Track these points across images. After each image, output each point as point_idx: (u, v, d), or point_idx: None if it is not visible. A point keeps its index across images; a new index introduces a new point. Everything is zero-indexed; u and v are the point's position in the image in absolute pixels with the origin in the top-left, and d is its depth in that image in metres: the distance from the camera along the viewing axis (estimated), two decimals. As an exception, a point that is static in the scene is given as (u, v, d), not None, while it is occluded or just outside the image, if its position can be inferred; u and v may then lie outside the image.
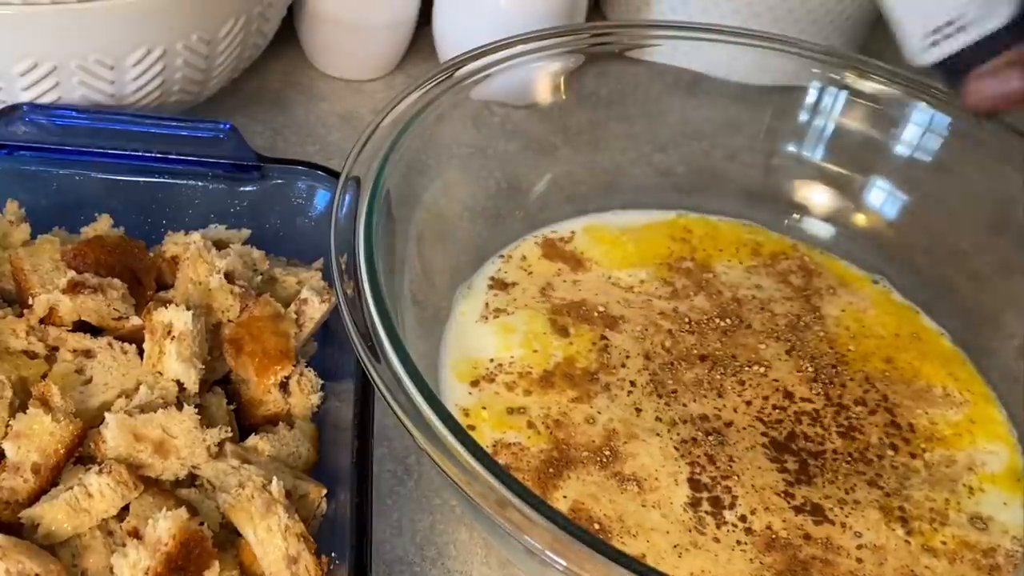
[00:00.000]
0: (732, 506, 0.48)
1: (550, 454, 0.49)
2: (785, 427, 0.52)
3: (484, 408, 0.50)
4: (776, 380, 0.54)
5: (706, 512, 0.47)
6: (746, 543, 0.46)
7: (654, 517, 0.47)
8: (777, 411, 0.53)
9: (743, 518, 0.47)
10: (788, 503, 0.48)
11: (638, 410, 0.51)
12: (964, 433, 0.54)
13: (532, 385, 0.52)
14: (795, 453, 0.51)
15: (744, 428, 0.51)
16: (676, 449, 0.50)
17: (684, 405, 0.52)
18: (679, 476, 0.48)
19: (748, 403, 0.53)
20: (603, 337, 0.55)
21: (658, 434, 0.50)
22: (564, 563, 0.35)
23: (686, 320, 0.57)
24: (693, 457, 0.49)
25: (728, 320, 0.57)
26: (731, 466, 0.49)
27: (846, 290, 0.61)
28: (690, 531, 0.46)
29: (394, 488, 0.50)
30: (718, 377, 0.54)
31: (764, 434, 0.51)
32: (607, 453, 0.49)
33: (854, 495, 0.49)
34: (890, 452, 0.52)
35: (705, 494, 0.48)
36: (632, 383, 0.53)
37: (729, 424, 0.51)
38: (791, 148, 0.65)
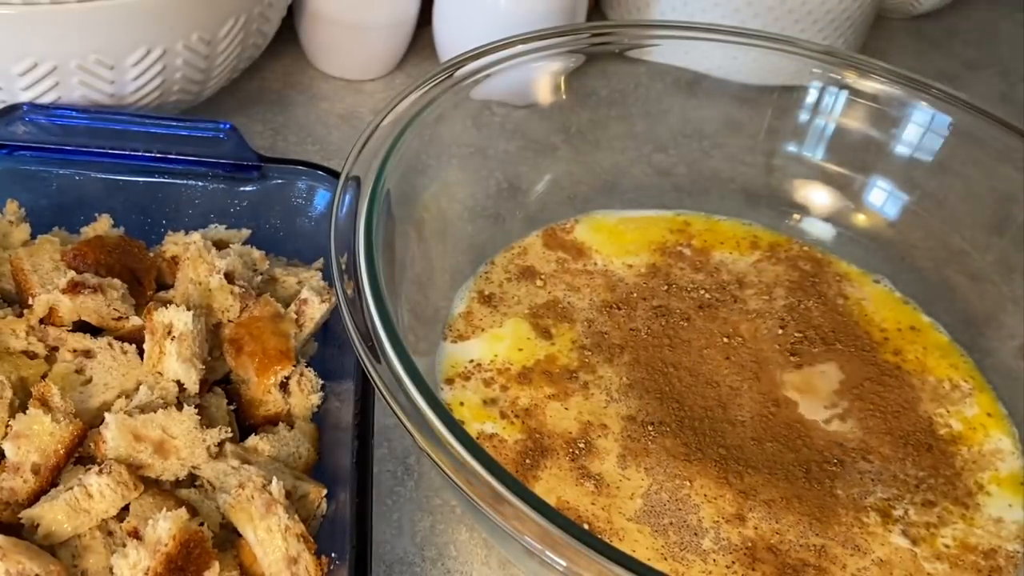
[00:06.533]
0: (700, 531, 0.46)
1: (525, 444, 0.49)
2: (751, 419, 0.52)
3: (462, 404, 0.50)
4: (749, 359, 0.54)
5: (679, 546, 0.46)
6: (734, 566, 0.46)
7: (621, 522, 0.46)
8: (749, 396, 0.53)
9: (716, 538, 0.46)
10: (748, 513, 0.47)
11: (609, 399, 0.51)
12: (978, 427, 0.54)
13: (510, 381, 0.52)
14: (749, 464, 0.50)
15: (704, 409, 0.51)
16: (626, 449, 0.49)
17: (636, 359, 0.53)
18: (636, 492, 0.48)
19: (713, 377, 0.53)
20: (569, 302, 0.56)
21: (619, 422, 0.50)
22: (564, 563, 0.35)
23: (671, 285, 0.57)
24: (642, 462, 0.49)
25: (718, 295, 0.58)
26: (684, 470, 0.48)
27: (849, 284, 0.61)
28: (665, 559, 0.45)
29: (394, 488, 0.50)
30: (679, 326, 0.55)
31: (724, 418, 0.51)
32: (581, 446, 0.49)
33: (860, 500, 0.49)
34: (907, 455, 0.51)
35: (668, 520, 0.47)
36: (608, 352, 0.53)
37: (685, 406, 0.51)
38: (791, 148, 0.65)
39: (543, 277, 0.58)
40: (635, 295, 0.58)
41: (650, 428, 0.50)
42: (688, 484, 0.48)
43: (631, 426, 0.50)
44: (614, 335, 0.55)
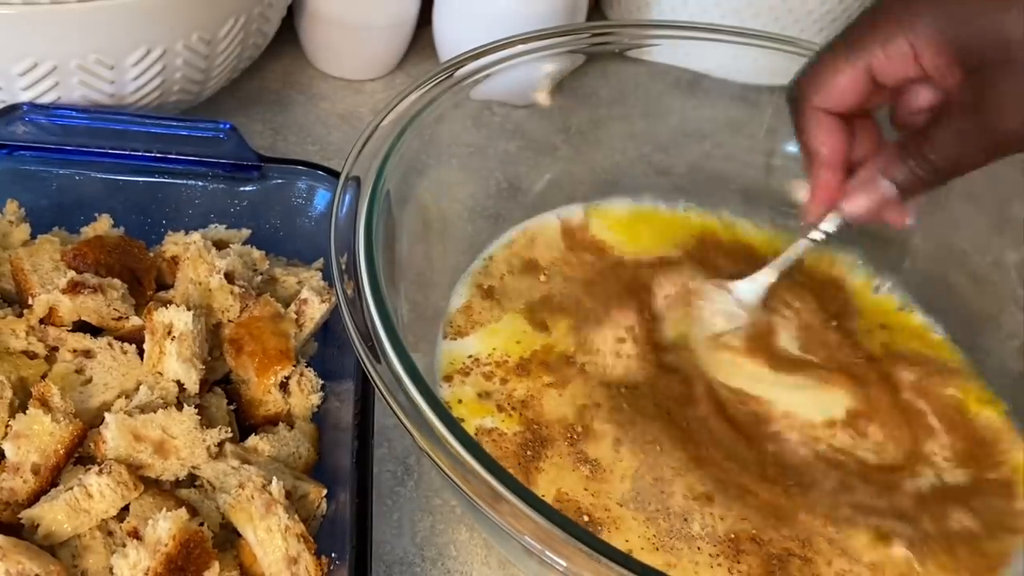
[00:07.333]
0: (687, 517, 0.47)
1: (524, 436, 0.49)
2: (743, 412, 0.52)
3: (460, 401, 0.51)
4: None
5: (668, 535, 0.46)
6: (719, 558, 0.46)
7: (615, 509, 0.47)
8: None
9: (702, 524, 0.47)
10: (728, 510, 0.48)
11: (605, 385, 0.52)
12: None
13: (508, 373, 0.52)
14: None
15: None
16: (616, 423, 0.50)
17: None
18: (627, 473, 0.48)
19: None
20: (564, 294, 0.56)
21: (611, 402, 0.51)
22: (564, 563, 0.35)
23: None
24: (628, 431, 0.49)
25: None
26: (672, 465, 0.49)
27: (849, 284, 0.61)
28: (657, 549, 0.46)
29: (394, 488, 0.50)
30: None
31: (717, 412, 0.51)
32: (579, 429, 0.49)
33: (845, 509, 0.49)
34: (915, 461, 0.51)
35: (654, 506, 0.47)
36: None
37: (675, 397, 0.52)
38: (791, 148, 0.65)
39: (546, 272, 0.58)
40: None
41: (624, 390, 0.51)
42: (658, 449, 0.48)
43: (613, 394, 0.51)
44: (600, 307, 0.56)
